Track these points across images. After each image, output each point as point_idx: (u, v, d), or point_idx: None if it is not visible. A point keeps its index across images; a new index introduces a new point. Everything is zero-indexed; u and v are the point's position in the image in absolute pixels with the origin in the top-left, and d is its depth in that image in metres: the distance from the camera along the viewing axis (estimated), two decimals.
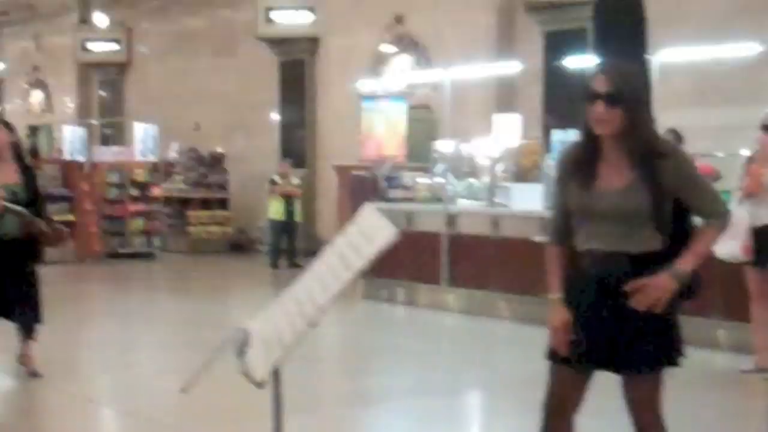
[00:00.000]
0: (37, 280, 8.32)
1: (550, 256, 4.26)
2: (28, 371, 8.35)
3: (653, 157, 3.99)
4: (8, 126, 8.18)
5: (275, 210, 17.65)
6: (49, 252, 17.38)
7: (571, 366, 4.13)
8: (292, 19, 20.64)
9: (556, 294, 4.18)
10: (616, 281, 3.99)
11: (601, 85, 3.93)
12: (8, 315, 8.21)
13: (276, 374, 3.37)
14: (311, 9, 20.42)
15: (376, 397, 8.38)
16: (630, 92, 3.94)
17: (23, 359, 8.37)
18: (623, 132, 3.96)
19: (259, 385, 3.28)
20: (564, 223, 4.19)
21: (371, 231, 3.19)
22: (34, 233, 7.96)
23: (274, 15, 20.69)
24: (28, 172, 8.11)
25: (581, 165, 4.08)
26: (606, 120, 3.93)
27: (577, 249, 4.13)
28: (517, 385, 8.69)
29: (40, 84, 29.34)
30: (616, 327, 4.02)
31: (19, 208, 7.64)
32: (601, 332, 4.05)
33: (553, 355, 4.20)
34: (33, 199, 8.02)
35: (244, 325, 3.40)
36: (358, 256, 3.14)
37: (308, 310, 3.14)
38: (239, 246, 21.13)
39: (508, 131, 13.82)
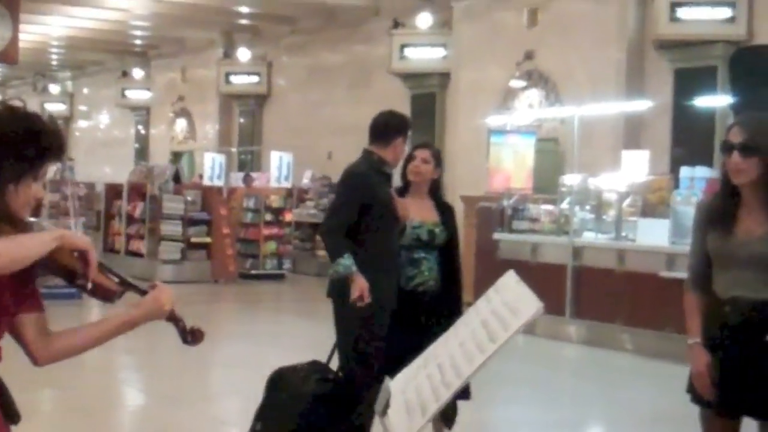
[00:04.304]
0: None
1: (688, 302, 4.09)
2: None
3: None
4: (437, 158, 6.28)
5: None
6: (186, 272, 17.76)
7: (719, 411, 3.97)
8: (424, 55, 20.48)
9: (695, 338, 4.01)
10: (760, 329, 3.83)
11: (735, 137, 3.85)
12: None
13: None
14: (443, 45, 20.23)
15: (501, 429, 8.01)
16: (765, 142, 3.84)
17: None
18: (760, 181, 3.84)
19: None
20: (703, 270, 4.03)
21: (515, 302, 2.87)
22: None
23: (408, 51, 20.56)
24: (447, 211, 6.29)
25: (721, 213, 3.96)
26: (742, 169, 3.83)
27: (718, 297, 3.96)
28: (645, 422, 8.22)
29: (184, 113, 29.76)
30: (759, 374, 3.85)
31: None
32: (744, 379, 3.88)
33: (699, 400, 4.03)
34: (449, 241, 6.23)
35: (387, 381, 3.09)
36: (503, 328, 2.81)
37: (452, 379, 2.82)
38: None
39: (636, 166, 13.35)
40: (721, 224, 3.94)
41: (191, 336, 2.93)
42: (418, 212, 6.07)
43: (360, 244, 5.84)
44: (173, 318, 2.88)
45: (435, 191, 6.27)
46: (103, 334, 2.74)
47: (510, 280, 3.07)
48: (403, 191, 6.18)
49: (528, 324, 2.71)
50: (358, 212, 5.84)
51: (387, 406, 2.98)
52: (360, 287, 5.69)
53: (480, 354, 2.82)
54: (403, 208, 5.89)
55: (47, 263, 2.61)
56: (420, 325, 5.79)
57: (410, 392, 2.96)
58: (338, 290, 5.87)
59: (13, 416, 2.67)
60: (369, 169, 6.01)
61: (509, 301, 2.93)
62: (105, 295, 2.73)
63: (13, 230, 2.61)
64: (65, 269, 2.64)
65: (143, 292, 2.82)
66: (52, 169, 17.39)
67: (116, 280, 2.78)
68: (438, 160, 6.23)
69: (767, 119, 4.04)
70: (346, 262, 5.73)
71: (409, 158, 6.16)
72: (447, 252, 6.14)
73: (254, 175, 22.64)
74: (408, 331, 5.70)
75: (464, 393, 5.84)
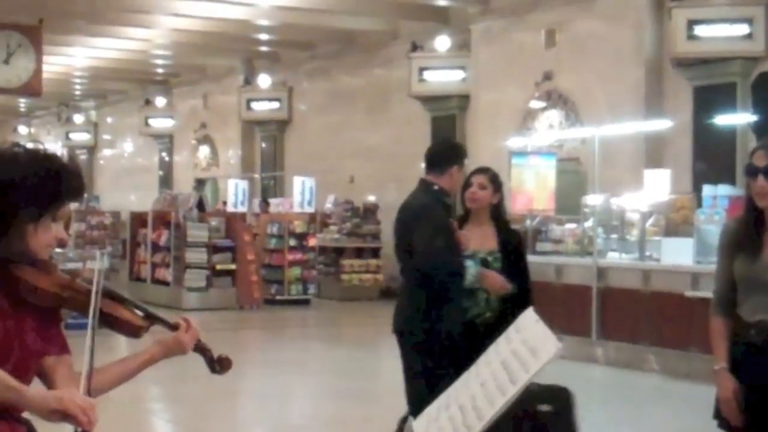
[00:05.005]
0: None
1: (714, 326, 4.05)
2: None
3: None
4: (496, 182, 5.93)
5: None
6: (212, 299, 17.76)
7: None
8: (443, 78, 20.45)
9: (722, 364, 3.97)
10: None
11: (760, 160, 3.82)
12: None
13: None
14: (462, 68, 20.19)
15: None
16: None
17: None
18: None
19: None
20: (728, 294, 3.99)
21: (535, 342, 2.83)
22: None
23: (427, 74, 20.53)
24: (510, 238, 5.93)
25: (746, 236, 3.92)
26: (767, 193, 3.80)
27: (744, 320, 3.92)
28: None
29: (207, 140, 29.79)
30: None
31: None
32: None
33: (726, 425, 3.97)
34: (517, 271, 5.79)
35: (410, 421, 3.04)
36: (523, 369, 2.77)
37: (473, 422, 2.77)
38: (390, 293, 20.85)
39: (658, 185, 13.24)
40: (747, 248, 3.91)
41: (219, 365, 2.94)
42: (474, 240, 5.73)
43: (428, 276, 5.57)
44: (200, 348, 2.89)
45: (498, 217, 5.92)
46: (127, 374, 2.79)
47: (529, 318, 3.04)
48: (464, 219, 5.92)
49: (547, 365, 2.67)
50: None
51: None
52: (496, 277, 5.55)
53: (501, 396, 2.78)
54: (465, 240, 5.67)
55: (71, 300, 2.66)
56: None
57: None
58: (402, 326, 5.69)
59: None
60: (433, 201, 5.74)
61: (529, 340, 2.90)
62: (131, 331, 2.75)
63: (34, 270, 2.62)
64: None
65: (170, 326, 2.84)
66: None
67: (141, 314, 2.79)
68: (497, 184, 5.89)
69: None
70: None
71: (466, 185, 5.88)
72: (521, 283, 5.72)
73: (274, 200, 22.64)
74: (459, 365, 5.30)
75: None
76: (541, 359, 2.74)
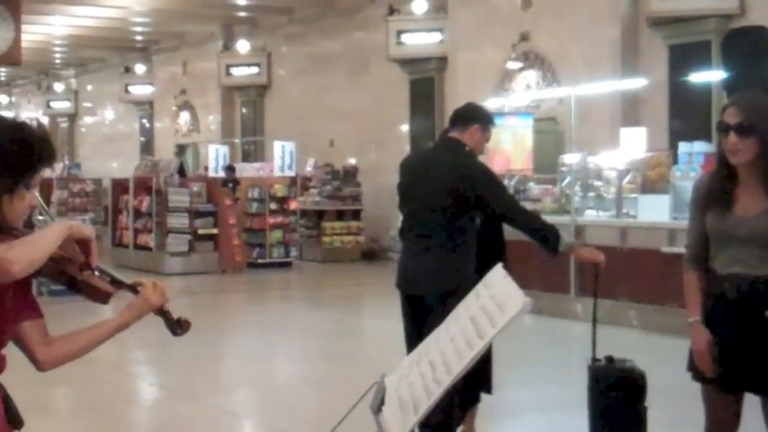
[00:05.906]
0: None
1: (687, 280, 4.08)
2: None
3: None
4: None
5: None
6: (194, 263, 17.70)
7: (720, 387, 3.98)
8: (421, 40, 20.34)
9: (695, 317, 4.01)
10: (759, 305, 3.84)
11: (732, 117, 3.84)
12: None
13: None
14: (439, 30, 20.09)
15: (512, 410, 7.91)
16: (761, 122, 3.82)
17: None
18: (757, 160, 3.83)
19: None
20: (701, 248, 4.03)
21: (503, 298, 2.84)
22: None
23: (405, 37, 20.42)
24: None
25: (718, 192, 3.95)
26: (739, 150, 3.84)
27: (717, 273, 3.96)
28: (652, 396, 8.11)
29: (187, 106, 29.65)
30: (759, 350, 3.85)
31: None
32: (744, 355, 3.88)
33: (700, 377, 4.03)
34: (492, 228, 6.04)
35: (383, 378, 3.02)
36: (490, 323, 2.78)
37: (442, 377, 2.77)
38: (371, 254, 20.86)
39: (634, 143, 13.23)
40: (719, 203, 3.93)
41: (179, 327, 2.91)
42: None
43: (462, 231, 5.49)
44: (162, 312, 2.87)
45: None
46: (101, 337, 2.79)
47: (497, 275, 3.05)
48: None
49: (514, 320, 2.66)
50: (470, 200, 5.46)
51: (382, 403, 2.93)
52: (591, 250, 5.79)
53: (469, 350, 2.79)
54: None
55: (45, 269, 2.61)
56: None
57: (403, 389, 2.92)
58: (443, 286, 5.36)
59: (16, 423, 2.72)
60: (479, 162, 5.65)
61: (497, 296, 2.90)
62: (101, 297, 2.77)
63: (12, 239, 2.58)
64: (63, 272, 2.69)
65: (134, 289, 2.83)
66: (58, 166, 17.36)
67: (108, 279, 2.80)
68: None
69: (762, 99, 4.00)
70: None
71: None
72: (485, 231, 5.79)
73: (255, 165, 22.52)
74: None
75: (487, 387, 6.28)
76: (508, 314, 2.74)
